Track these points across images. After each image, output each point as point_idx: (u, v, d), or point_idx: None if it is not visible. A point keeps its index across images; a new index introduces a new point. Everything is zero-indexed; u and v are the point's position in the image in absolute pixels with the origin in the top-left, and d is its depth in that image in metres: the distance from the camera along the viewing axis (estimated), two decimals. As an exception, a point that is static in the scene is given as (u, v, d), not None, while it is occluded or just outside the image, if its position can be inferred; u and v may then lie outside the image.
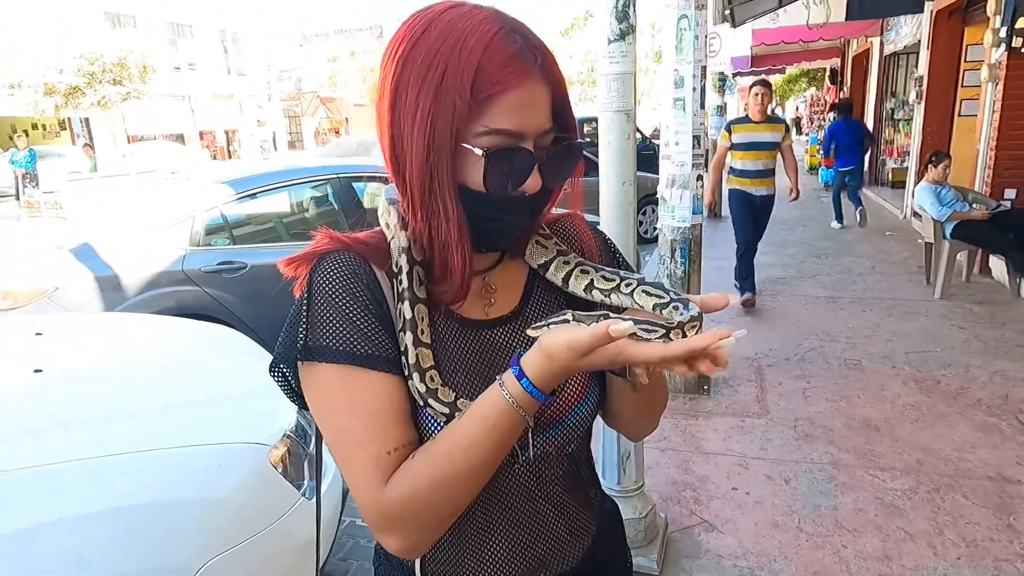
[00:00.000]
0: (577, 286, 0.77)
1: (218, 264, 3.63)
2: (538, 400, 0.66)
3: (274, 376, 0.77)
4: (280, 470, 1.74)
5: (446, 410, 0.70)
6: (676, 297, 0.66)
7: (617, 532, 0.97)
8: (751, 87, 5.22)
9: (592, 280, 0.75)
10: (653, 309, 0.68)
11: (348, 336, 0.71)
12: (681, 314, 0.64)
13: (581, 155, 0.75)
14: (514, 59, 0.66)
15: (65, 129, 25.32)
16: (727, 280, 6.05)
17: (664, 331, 0.61)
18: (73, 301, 3.41)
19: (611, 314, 0.66)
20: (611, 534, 0.94)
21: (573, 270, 0.77)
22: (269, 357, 0.78)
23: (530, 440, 0.73)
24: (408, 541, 0.69)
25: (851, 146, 8.23)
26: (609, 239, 0.91)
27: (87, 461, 1.55)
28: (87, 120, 24.28)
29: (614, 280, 0.74)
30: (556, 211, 0.88)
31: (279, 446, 1.78)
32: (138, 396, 1.90)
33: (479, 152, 0.67)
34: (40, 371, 1.94)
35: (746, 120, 5.24)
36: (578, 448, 0.84)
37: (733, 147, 5.17)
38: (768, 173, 5.18)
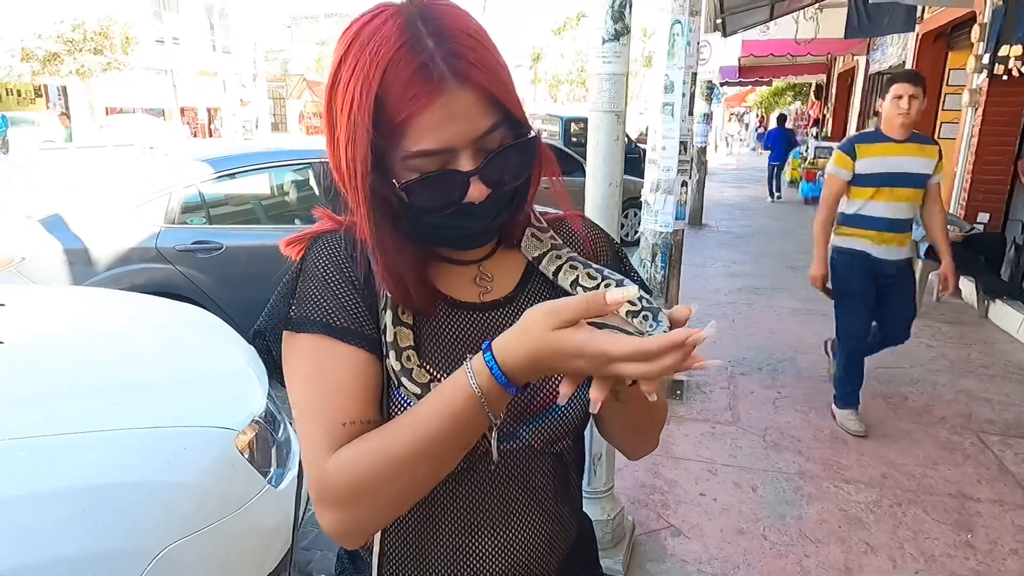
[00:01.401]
0: (565, 281, 0.76)
1: (193, 243, 3.55)
2: (502, 386, 0.61)
3: (257, 346, 0.78)
4: (247, 456, 1.71)
5: (418, 391, 0.69)
6: (647, 306, 0.65)
7: (591, 543, 0.94)
8: (890, 84, 3.14)
9: (578, 276, 0.74)
10: (625, 314, 0.66)
11: (327, 308, 0.71)
12: (651, 325, 0.62)
13: (532, 145, 0.70)
14: (416, 78, 0.62)
15: (41, 96, 24.63)
16: (705, 286, 6.10)
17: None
18: (40, 273, 3.32)
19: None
20: (587, 545, 0.92)
21: (564, 264, 0.76)
22: (242, 340, 0.78)
23: (493, 443, 0.67)
24: (343, 520, 0.66)
25: (781, 148, 13.00)
26: (617, 244, 0.89)
27: (46, 438, 1.50)
28: (64, 88, 23.64)
29: (596, 279, 0.73)
30: (548, 210, 0.87)
31: (247, 431, 1.74)
32: (102, 374, 1.85)
33: (396, 184, 0.66)
34: (1, 343, 1.88)
35: (881, 137, 3.16)
36: (567, 450, 0.81)
37: (855, 180, 3.17)
38: (907, 225, 3.20)
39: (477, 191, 0.67)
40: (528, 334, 0.59)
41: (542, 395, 0.76)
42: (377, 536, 0.77)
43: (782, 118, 14.48)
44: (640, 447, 0.87)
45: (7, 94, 22.56)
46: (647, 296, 0.66)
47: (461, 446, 0.65)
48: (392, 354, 0.70)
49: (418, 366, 0.71)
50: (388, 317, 0.71)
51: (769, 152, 13.33)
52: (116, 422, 1.59)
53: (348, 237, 0.75)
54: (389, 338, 0.71)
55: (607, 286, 0.70)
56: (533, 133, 0.70)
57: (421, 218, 0.69)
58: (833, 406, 3.46)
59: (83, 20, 19.43)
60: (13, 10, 18.24)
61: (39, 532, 1.39)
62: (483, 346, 0.62)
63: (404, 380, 0.69)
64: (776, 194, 12.54)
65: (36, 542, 1.38)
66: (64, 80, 21.52)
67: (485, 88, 0.65)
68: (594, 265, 0.76)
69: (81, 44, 19.51)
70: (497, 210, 0.71)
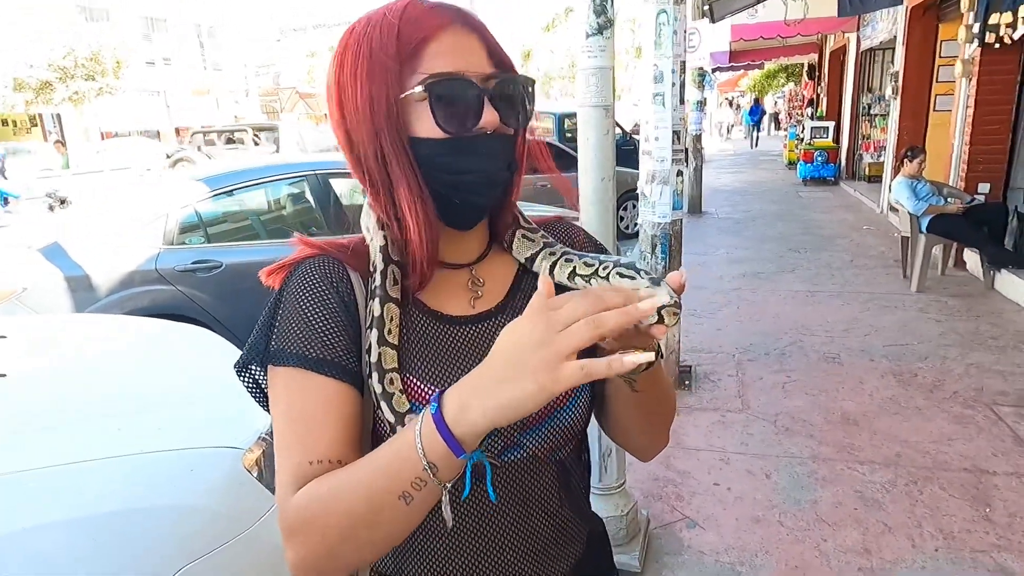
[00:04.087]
0: (561, 275, 0.74)
1: (193, 263, 3.56)
2: (446, 442, 0.56)
3: (243, 380, 0.77)
4: (255, 474, 1.70)
5: (392, 419, 0.67)
6: (647, 276, 0.64)
7: (605, 545, 0.92)
8: None
9: (575, 267, 0.72)
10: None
11: (303, 340, 0.70)
12: (657, 296, 0.60)
13: (532, 89, 0.74)
14: (431, 11, 0.68)
15: (36, 125, 24.73)
16: (708, 274, 6.09)
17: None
18: (42, 302, 3.32)
19: None
20: (600, 548, 0.90)
21: (558, 260, 0.75)
22: None
23: (446, 507, 0.62)
24: (297, 557, 0.64)
25: (756, 115, 22.97)
26: (597, 239, 0.90)
27: (53, 468, 1.50)
28: (59, 116, 23.76)
29: (594, 265, 0.71)
30: (545, 212, 0.88)
31: (254, 449, 1.73)
32: (106, 399, 1.84)
33: (420, 89, 0.67)
34: (4, 376, 1.88)
35: None
36: (569, 455, 0.80)
37: None
38: None
39: (490, 116, 0.69)
40: (492, 360, 0.57)
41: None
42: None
43: (756, 100, 24.99)
44: (653, 443, 0.85)
45: (2, 125, 22.66)
46: (644, 269, 0.66)
47: (403, 504, 0.60)
48: (375, 375, 0.68)
49: (399, 391, 0.69)
50: (373, 336, 0.70)
51: (748, 119, 23.65)
52: (121, 448, 1.59)
53: (328, 261, 0.74)
54: (373, 358, 0.69)
55: (605, 269, 0.68)
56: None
57: (434, 159, 0.69)
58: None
59: (74, 47, 19.49)
60: (4, 41, 18.31)
61: (52, 563, 1.39)
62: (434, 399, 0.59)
63: (384, 405, 0.68)
64: (755, 145, 21.46)
65: (52, 573, 1.38)
66: (58, 108, 21.61)
67: (489, 38, 0.71)
68: (589, 254, 0.74)
69: (73, 71, 19.58)
70: (506, 158, 0.73)
